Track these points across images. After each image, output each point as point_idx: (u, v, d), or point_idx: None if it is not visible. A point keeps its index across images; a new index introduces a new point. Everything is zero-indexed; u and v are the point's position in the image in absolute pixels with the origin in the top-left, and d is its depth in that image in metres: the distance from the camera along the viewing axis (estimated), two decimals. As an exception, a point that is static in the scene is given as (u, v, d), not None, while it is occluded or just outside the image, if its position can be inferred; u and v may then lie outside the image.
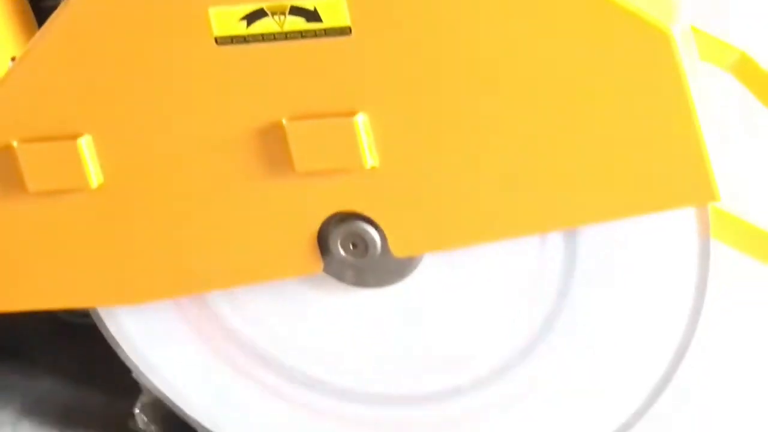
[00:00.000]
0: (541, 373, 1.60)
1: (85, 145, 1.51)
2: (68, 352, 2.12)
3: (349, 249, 1.52)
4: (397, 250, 1.50)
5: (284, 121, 1.44)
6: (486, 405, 1.63)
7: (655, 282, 1.52)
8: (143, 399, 1.86)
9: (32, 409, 2.05)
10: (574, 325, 1.56)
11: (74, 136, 1.51)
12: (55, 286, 1.65)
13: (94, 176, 1.53)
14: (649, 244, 1.50)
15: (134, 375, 1.74)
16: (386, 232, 1.50)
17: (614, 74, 1.36)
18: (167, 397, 1.72)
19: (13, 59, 1.80)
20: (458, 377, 1.63)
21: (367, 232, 1.50)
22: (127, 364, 1.71)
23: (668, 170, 1.39)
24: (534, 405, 1.62)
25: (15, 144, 1.53)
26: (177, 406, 1.72)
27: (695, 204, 1.42)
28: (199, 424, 1.72)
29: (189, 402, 1.72)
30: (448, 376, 1.64)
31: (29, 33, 1.90)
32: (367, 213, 1.49)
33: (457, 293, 1.59)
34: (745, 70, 1.93)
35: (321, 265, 1.53)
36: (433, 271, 1.57)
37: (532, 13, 1.35)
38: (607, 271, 1.52)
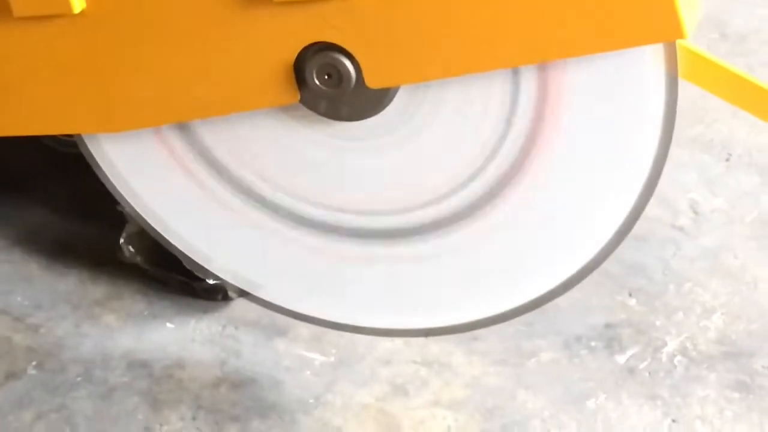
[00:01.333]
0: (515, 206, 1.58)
1: None
2: (60, 184, 2.13)
3: (325, 80, 1.49)
4: (372, 82, 1.47)
5: None
6: (456, 243, 1.62)
7: (622, 118, 1.50)
8: (128, 230, 1.90)
9: (25, 239, 2.07)
10: (546, 160, 1.53)
11: None
12: (41, 112, 1.64)
13: (77, 2, 1.49)
14: (617, 81, 1.46)
15: (119, 207, 1.75)
16: (361, 63, 1.47)
17: None
18: (148, 224, 1.72)
19: None
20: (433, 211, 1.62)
21: (342, 62, 1.47)
22: (112, 192, 1.70)
23: (636, 5, 1.35)
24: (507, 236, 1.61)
25: None
26: (156, 232, 1.73)
27: (663, 40, 1.39)
28: (176, 248, 1.72)
29: (168, 228, 1.72)
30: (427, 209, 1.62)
31: None
32: (342, 43, 1.46)
33: (432, 130, 1.57)
34: None
35: (298, 95, 1.51)
36: (406, 107, 1.54)
37: None
38: (578, 107, 1.49)
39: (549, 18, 1.38)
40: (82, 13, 1.51)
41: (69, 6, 1.50)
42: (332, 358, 1.86)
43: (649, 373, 1.80)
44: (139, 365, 1.84)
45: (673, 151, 2.23)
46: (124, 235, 1.92)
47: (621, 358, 1.83)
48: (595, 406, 1.74)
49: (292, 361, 1.86)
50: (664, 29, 1.36)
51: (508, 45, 1.42)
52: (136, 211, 1.72)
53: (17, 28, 1.55)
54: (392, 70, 1.49)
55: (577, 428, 1.71)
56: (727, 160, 2.32)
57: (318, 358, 1.87)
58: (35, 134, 1.69)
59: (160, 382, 1.81)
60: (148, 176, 1.69)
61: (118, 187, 1.71)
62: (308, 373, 1.84)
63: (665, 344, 1.86)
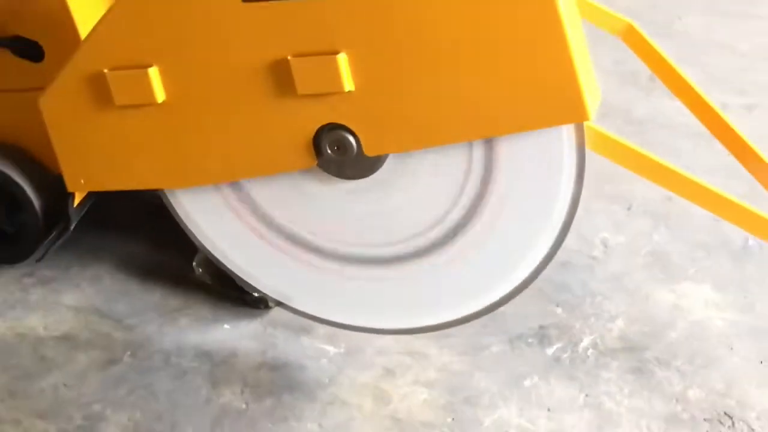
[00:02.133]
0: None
1: (154, 72, 1.48)
2: (151, 226, 2.12)
3: (335, 150, 1.47)
4: (368, 151, 1.46)
5: (290, 58, 1.41)
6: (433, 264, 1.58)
7: (538, 182, 1.47)
8: (199, 256, 1.87)
9: (125, 264, 2.06)
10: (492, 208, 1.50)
11: (146, 66, 1.48)
12: (134, 173, 1.62)
13: (160, 95, 1.50)
14: (541, 151, 1.43)
15: (191, 240, 1.70)
16: (360, 138, 1.46)
17: (506, 22, 1.31)
18: (211, 254, 1.70)
19: None
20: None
21: (347, 138, 1.46)
22: (186, 231, 1.69)
23: (550, 96, 1.33)
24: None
25: (106, 71, 1.49)
26: (218, 260, 1.71)
27: (573, 121, 1.37)
28: (232, 271, 1.71)
29: (226, 257, 1.70)
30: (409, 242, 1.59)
31: None
32: (346, 124, 1.45)
33: (409, 187, 1.54)
34: (631, 37, 1.89)
35: (315, 161, 1.49)
36: (392, 170, 1.52)
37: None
38: (509, 170, 1.47)
39: (491, 107, 1.38)
40: (163, 102, 1.50)
41: (154, 97, 1.50)
42: (342, 350, 1.82)
43: (570, 361, 1.78)
44: (203, 354, 1.82)
45: (590, 202, 2.24)
46: (195, 260, 1.90)
47: (550, 351, 1.81)
48: (531, 385, 1.72)
49: (313, 352, 1.82)
50: (574, 113, 1.35)
51: (463, 124, 1.41)
52: (203, 245, 1.70)
53: (118, 113, 1.54)
54: (383, 143, 1.47)
55: (517, 402, 1.68)
56: (629, 208, 2.30)
57: (332, 349, 1.83)
58: (129, 189, 1.66)
59: (218, 366, 1.78)
60: (212, 221, 1.67)
61: (191, 228, 1.69)
62: (324, 360, 1.80)
63: (581, 340, 1.83)
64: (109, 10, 1.48)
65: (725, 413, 1.66)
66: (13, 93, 1.77)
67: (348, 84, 1.40)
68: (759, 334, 1.85)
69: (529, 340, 1.84)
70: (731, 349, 1.81)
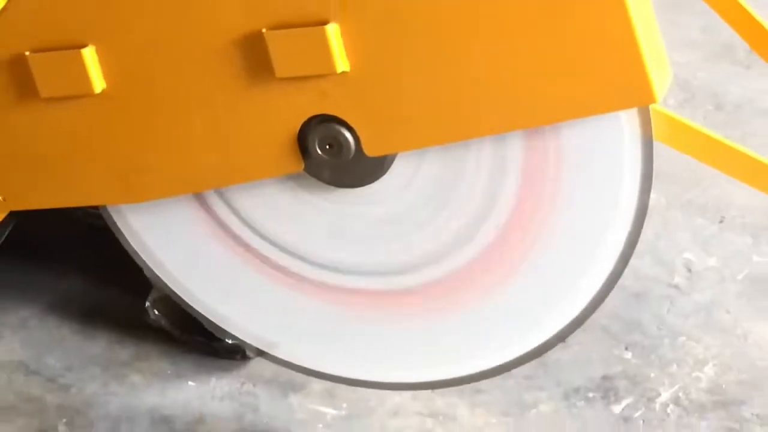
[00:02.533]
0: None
1: (89, 54, 1.52)
2: (88, 254, 2.17)
3: (326, 149, 1.51)
4: (370, 151, 1.49)
5: (264, 31, 1.44)
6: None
7: (602, 178, 1.50)
8: (153, 295, 1.92)
9: (57, 305, 2.11)
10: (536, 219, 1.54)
11: (80, 46, 1.52)
12: (68, 185, 1.67)
13: (98, 83, 1.54)
14: (597, 145, 1.47)
15: (145, 272, 1.76)
16: (359, 133, 1.49)
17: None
18: (171, 290, 1.75)
19: None
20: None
21: (341, 133, 1.49)
22: (136, 260, 1.73)
23: (612, 74, 1.37)
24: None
25: (27, 53, 1.54)
26: (181, 299, 1.75)
27: (636, 105, 1.41)
28: (197, 312, 1.75)
29: (191, 292, 1.74)
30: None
31: None
32: (341, 115, 1.48)
33: (424, 196, 1.59)
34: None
35: (302, 165, 1.53)
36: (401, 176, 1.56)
37: None
38: (563, 169, 1.50)
39: (528, 89, 1.41)
40: (102, 92, 1.55)
41: (91, 87, 1.54)
42: (343, 412, 1.87)
43: (643, 422, 1.80)
44: (162, 421, 1.85)
45: (670, 213, 2.26)
46: (149, 299, 1.95)
47: (617, 408, 1.83)
48: (593, 455, 1.75)
49: (305, 415, 1.87)
50: (637, 95, 1.38)
51: (497, 113, 1.44)
52: (159, 278, 1.75)
53: (44, 108, 1.59)
54: (388, 139, 1.50)
55: (576, 479, 1.72)
56: (721, 221, 2.32)
57: (330, 411, 1.87)
58: (63, 206, 1.71)
59: None
60: (172, 244, 1.72)
61: (143, 256, 1.74)
62: (320, 426, 1.85)
63: (659, 394, 1.86)
64: None
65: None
66: None
67: (341, 63, 1.44)
68: None
69: (590, 395, 1.86)
70: None
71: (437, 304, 1.66)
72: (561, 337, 1.61)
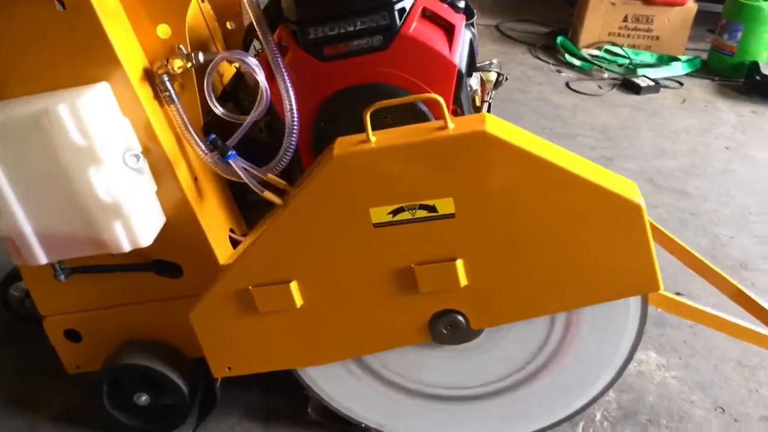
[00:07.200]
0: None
1: (293, 286, 1.87)
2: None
3: (448, 329, 1.90)
4: (475, 326, 1.90)
5: (413, 266, 1.80)
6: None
7: (608, 333, 1.94)
8: (312, 402, 2.28)
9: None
10: (569, 354, 1.99)
11: (287, 281, 1.87)
12: (273, 358, 2.01)
13: (298, 301, 1.89)
14: (612, 312, 1.90)
15: (311, 394, 2.12)
16: (469, 317, 1.89)
17: (598, 224, 1.72)
18: (332, 406, 2.14)
19: (231, 230, 2.17)
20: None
21: (458, 318, 1.89)
22: (311, 391, 2.11)
23: (632, 278, 1.79)
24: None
25: (250, 287, 1.89)
26: (338, 410, 2.14)
27: (646, 292, 1.84)
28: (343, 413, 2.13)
29: (342, 404, 2.14)
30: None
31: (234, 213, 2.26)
32: (460, 309, 1.88)
33: (500, 348, 2.01)
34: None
35: (429, 338, 1.92)
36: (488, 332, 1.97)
37: (564, 208, 1.72)
38: (587, 325, 1.93)
39: (572, 285, 1.80)
40: (302, 306, 1.89)
41: (294, 304, 1.89)
42: None
43: None
44: None
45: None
46: (309, 407, 2.29)
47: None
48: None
49: None
50: (648, 286, 1.80)
51: (552, 301, 1.85)
52: (319, 395, 2.13)
53: (261, 318, 1.93)
54: (487, 320, 1.91)
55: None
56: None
57: None
58: (270, 370, 2.03)
59: None
60: (332, 381, 2.09)
61: (315, 389, 2.12)
62: None
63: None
64: (255, 241, 1.86)
65: None
66: (156, 302, 2.20)
67: (463, 281, 1.83)
68: None
69: None
70: None
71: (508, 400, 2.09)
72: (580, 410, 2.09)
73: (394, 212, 1.76)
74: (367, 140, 1.74)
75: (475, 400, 2.11)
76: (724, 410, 2.46)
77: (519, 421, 2.14)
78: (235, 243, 2.15)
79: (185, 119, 1.95)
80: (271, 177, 1.93)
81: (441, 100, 1.71)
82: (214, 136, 1.93)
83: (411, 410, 2.13)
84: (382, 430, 2.19)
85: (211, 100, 1.91)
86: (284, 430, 2.37)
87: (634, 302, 1.90)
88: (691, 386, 2.51)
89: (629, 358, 1.98)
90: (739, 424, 2.41)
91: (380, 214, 1.78)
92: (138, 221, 1.90)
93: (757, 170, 4.04)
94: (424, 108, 1.91)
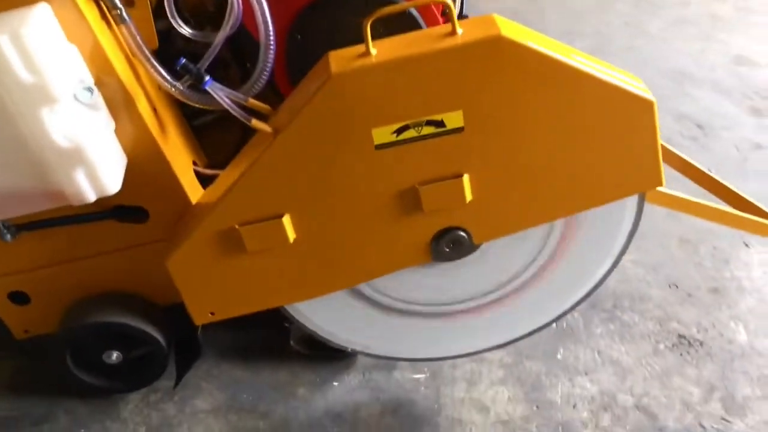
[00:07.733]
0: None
1: (286, 220, 1.72)
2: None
3: (450, 246, 1.81)
4: (478, 241, 1.81)
5: (417, 186, 1.68)
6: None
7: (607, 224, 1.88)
8: (294, 335, 2.19)
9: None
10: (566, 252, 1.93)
11: (280, 216, 1.71)
12: (261, 297, 1.87)
13: (291, 236, 1.74)
14: (610, 209, 1.81)
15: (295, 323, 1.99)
16: (472, 233, 1.80)
17: (610, 120, 1.64)
18: (311, 330, 2.01)
19: (194, 163, 1.95)
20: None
21: (461, 235, 1.79)
22: (297, 321, 1.98)
23: (638, 174, 1.73)
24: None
25: (237, 226, 1.72)
26: (315, 333, 2.01)
27: (650, 188, 1.78)
28: (329, 341, 2.03)
29: (334, 335, 2.03)
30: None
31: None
32: (464, 226, 1.78)
33: (502, 253, 1.91)
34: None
35: (431, 258, 1.82)
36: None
37: (578, 110, 1.63)
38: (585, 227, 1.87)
39: (578, 189, 1.73)
40: (295, 240, 1.74)
41: (286, 239, 1.74)
42: (427, 374, 2.23)
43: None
44: (338, 417, 2.14)
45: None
46: (292, 340, 2.18)
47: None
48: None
49: (410, 385, 2.22)
50: (651, 182, 1.75)
51: (558, 206, 1.78)
52: (305, 326, 2.00)
53: (249, 257, 1.77)
54: (491, 233, 1.82)
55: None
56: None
57: (421, 377, 2.23)
58: (257, 310, 1.89)
59: (355, 426, 2.13)
60: (326, 313, 1.98)
61: (303, 322, 1.99)
62: (423, 389, 2.21)
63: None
64: (242, 175, 1.68)
65: None
66: (116, 252, 1.96)
67: (468, 197, 1.73)
68: None
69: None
70: None
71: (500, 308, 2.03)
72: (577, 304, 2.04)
73: (399, 131, 1.63)
74: (368, 53, 1.57)
75: (467, 314, 2.05)
76: (677, 286, 2.54)
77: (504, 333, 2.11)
78: (199, 177, 1.94)
79: (140, 41, 1.67)
80: (252, 101, 1.72)
81: (450, 2, 1.54)
82: (184, 60, 1.66)
83: (397, 329, 2.05)
84: (367, 352, 2.10)
85: (173, 15, 1.63)
86: (266, 366, 2.29)
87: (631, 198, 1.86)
88: (645, 267, 2.57)
89: (625, 249, 1.94)
90: (692, 298, 2.49)
91: (383, 134, 1.64)
92: (102, 166, 1.66)
93: (654, 45, 4.08)
94: (416, 13, 1.69)
